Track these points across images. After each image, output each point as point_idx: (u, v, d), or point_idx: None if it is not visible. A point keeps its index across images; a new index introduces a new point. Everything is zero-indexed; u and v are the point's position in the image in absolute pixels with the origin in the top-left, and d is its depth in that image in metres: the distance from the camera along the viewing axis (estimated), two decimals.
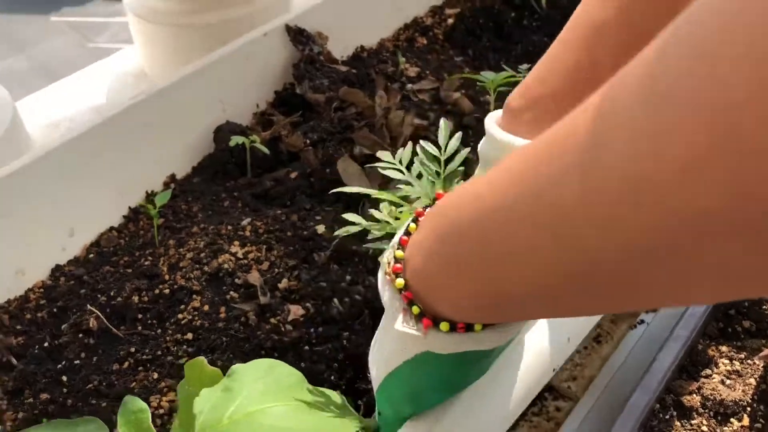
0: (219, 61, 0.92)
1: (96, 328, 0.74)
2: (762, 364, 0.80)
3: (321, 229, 0.81)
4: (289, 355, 0.69)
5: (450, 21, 1.17)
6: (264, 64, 0.98)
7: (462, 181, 0.59)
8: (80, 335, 0.74)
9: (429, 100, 0.99)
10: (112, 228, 0.87)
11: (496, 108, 0.93)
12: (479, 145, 0.57)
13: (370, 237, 0.61)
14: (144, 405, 0.54)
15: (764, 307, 0.87)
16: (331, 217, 0.83)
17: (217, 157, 0.94)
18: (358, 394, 0.67)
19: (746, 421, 0.75)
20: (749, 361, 0.81)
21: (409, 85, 1.01)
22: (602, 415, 0.74)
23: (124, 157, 0.86)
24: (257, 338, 0.71)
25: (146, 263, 0.80)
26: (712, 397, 0.77)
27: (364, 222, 0.60)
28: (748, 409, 0.76)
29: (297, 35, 0.98)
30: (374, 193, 0.58)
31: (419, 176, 0.60)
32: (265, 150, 0.88)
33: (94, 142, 0.82)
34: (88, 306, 0.76)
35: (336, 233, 0.61)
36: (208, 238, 0.82)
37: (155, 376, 0.69)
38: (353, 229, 0.59)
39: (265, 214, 0.84)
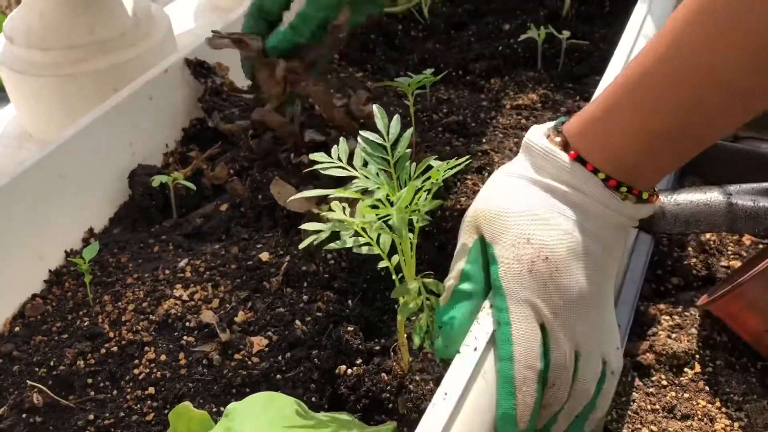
0: (123, 103, 0.87)
1: (41, 403, 0.68)
2: (698, 314, 0.85)
3: (265, 256, 0.79)
4: (263, 387, 0.66)
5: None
6: (168, 102, 0.95)
7: (413, 163, 0.58)
8: (24, 415, 0.67)
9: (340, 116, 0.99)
10: (35, 295, 0.80)
11: (415, 110, 0.94)
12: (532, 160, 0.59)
13: (340, 239, 0.59)
14: None
15: (685, 262, 0.93)
16: (272, 243, 0.81)
17: (135, 203, 0.89)
18: (343, 407, 0.65)
19: (698, 368, 0.80)
20: (686, 313, 0.86)
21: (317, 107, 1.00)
22: None
23: (37, 216, 0.80)
24: (225, 377, 0.67)
25: (84, 324, 0.74)
26: (664, 352, 0.81)
27: (327, 226, 0.58)
28: (697, 356, 0.81)
29: (197, 68, 0.96)
30: (334, 192, 0.56)
31: (365, 166, 0.59)
32: (192, 186, 0.85)
33: (6, 204, 0.76)
34: (27, 381, 0.69)
35: (302, 245, 0.59)
36: (146, 286, 0.77)
37: None
38: (322, 236, 0.57)
39: (202, 252, 0.81)
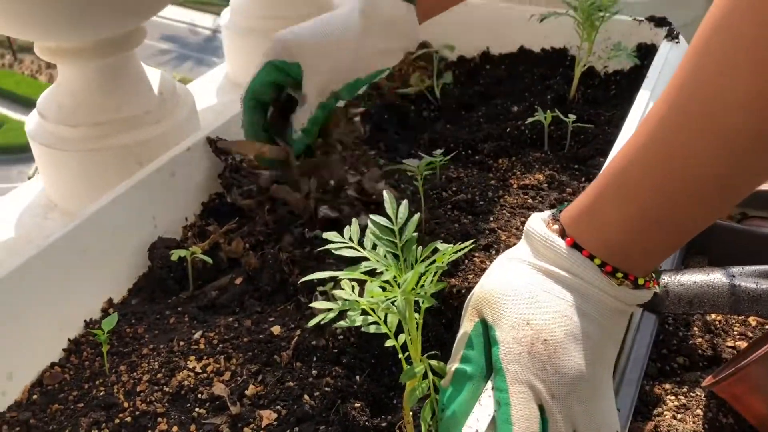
0: (147, 179, 0.92)
1: None
2: (704, 394, 0.85)
3: (277, 329, 0.81)
4: None
5: (357, 120, 1.23)
6: (190, 178, 0.99)
7: (420, 247, 0.61)
8: None
9: (354, 194, 1.02)
10: (53, 364, 0.82)
11: (425, 188, 0.98)
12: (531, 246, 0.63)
13: (349, 317, 0.61)
14: None
15: (690, 342, 0.94)
16: (284, 316, 0.83)
17: (154, 275, 0.92)
18: None
19: None
20: (692, 393, 0.86)
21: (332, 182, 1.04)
22: None
23: (59, 288, 0.83)
24: None
25: (100, 394, 0.76)
26: None
27: (337, 305, 0.61)
28: None
29: (218, 146, 1.00)
30: (343, 274, 0.59)
31: (374, 248, 0.62)
32: (208, 260, 0.88)
33: (29, 276, 0.79)
34: None
35: (311, 323, 0.61)
36: (161, 357, 0.79)
37: None
38: (331, 315, 0.60)
39: (216, 324, 0.83)
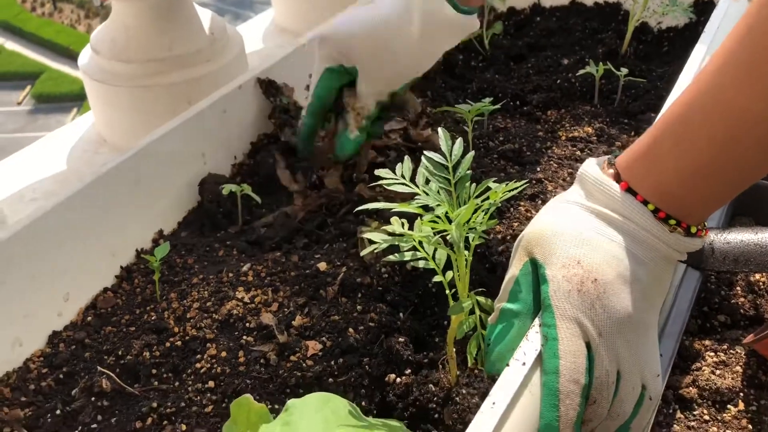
0: (199, 114, 0.93)
1: (109, 389, 0.72)
2: (744, 352, 0.85)
3: (323, 266, 0.82)
4: (315, 389, 0.70)
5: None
6: (240, 116, 1.00)
7: (473, 184, 0.62)
8: (93, 398, 0.72)
9: (400, 140, 1.03)
10: (106, 289, 0.85)
11: (473, 136, 0.98)
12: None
13: (402, 251, 0.63)
14: None
15: (733, 301, 0.93)
16: (330, 254, 0.84)
17: (203, 209, 0.94)
18: (391, 414, 0.68)
19: (741, 405, 0.80)
20: (732, 351, 0.86)
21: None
22: None
23: (112, 216, 0.85)
24: (280, 377, 0.71)
25: (151, 319, 0.79)
26: (707, 387, 0.81)
27: (388, 237, 0.62)
28: (741, 394, 0.81)
29: (268, 87, 1.01)
30: (397, 206, 0.60)
31: (427, 183, 0.63)
32: (257, 198, 0.89)
33: (85, 203, 0.81)
34: (98, 368, 0.74)
35: (363, 252, 0.62)
36: (210, 287, 0.81)
37: (183, 428, 0.68)
38: (382, 246, 0.61)
39: (264, 258, 0.85)
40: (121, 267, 0.87)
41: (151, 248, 0.90)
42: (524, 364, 0.55)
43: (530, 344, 0.57)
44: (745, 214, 1.08)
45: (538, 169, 0.95)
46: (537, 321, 0.59)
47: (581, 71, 1.07)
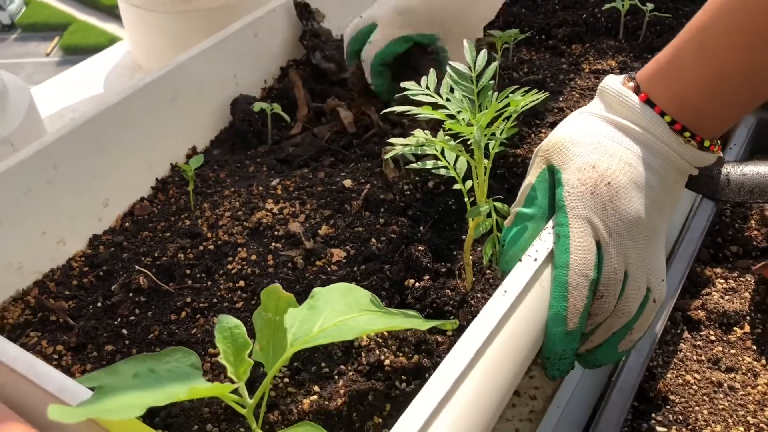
0: (232, 36, 0.96)
1: (146, 286, 0.77)
2: (753, 279, 0.88)
3: (348, 183, 0.86)
4: None
5: None
6: (271, 41, 1.03)
7: (496, 92, 0.65)
8: (131, 294, 0.77)
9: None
10: (142, 198, 0.90)
11: (502, 60, 1.00)
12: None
13: (422, 155, 0.66)
14: (238, 321, 0.58)
15: (746, 234, 0.96)
16: (355, 172, 0.88)
17: (235, 129, 0.98)
18: None
19: (747, 328, 0.83)
20: (741, 278, 0.89)
21: None
22: None
23: (149, 130, 0.89)
24: (307, 279, 0.75)
25: (185, 225, 0.84)
26: (715, 310, 0.85)
27: (412, 141, 0.65)
28: (747, 317, 0.84)
29: (303, 10, 1.04)
30: (423, 111, 0.63)
31: (451, 92, 0.66)
32: (287, 117, 0.93)
33: (123, 115, 0.85)
34: (136, 267, 0.79)
35: (387, 155, 0.66)
36: (241, 198, 0.86)
37: (215, 321, 0.73)
38: (404, 149, 0.64)
39: (292, 175, 0.89)
40: (157, 179, 0.92)
41: (185, 163, 0.95)
42: (536, 260, 0.59)
43: (542, 243, 0.60)
44: (764, 153, 1.10)
45: (560, 99, 0.97)
46: (551, 223, 0.62)
47: (607, 5, 1.08)
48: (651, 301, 0.62)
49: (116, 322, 0.74)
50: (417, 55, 0.98)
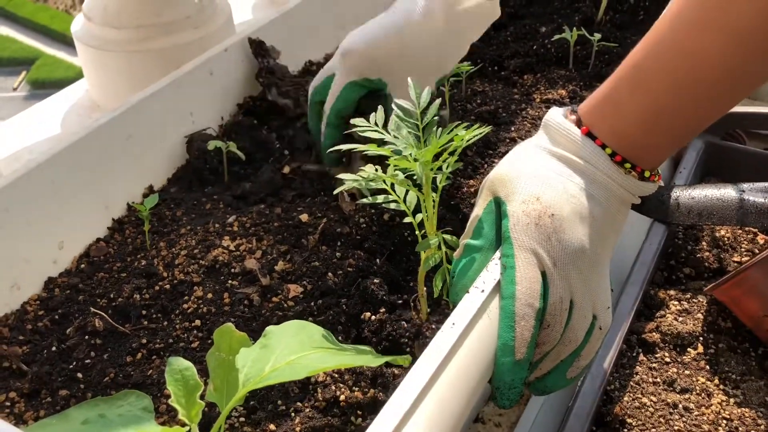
0: (187, 75, 0.97)
1: (102, 328, 0.77)
2: (706, 300, 0.90)
3: (305, 217, 0.87)
4: None
5: None
6: (226, 78, 1.04)
7: (440, 128, 0.66)
8: (87, 337, 0.76)
9: None
10: (99, 239, 0.89)
11: (450, 100, 1.02)
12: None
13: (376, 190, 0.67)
14: (189, 363, 0.58)
15: (698, 255, 0.98)
16: (312, 207, 0.89)
17: (191, 166, 0.98)
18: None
19: (701, 348, 0.85)
20: (694, 299, 0.91)
21: None
22: None
23: (105, 170, 0.89)
24: (263, 316, 0.75)
25: (141, 265, 0.84)
26: (669, 332, 0.86)
27: (360, 177, 0.66)
28: (701, 338, 0.86)
29: (258, 48, 1.05)
30: (368, 147, 0.64)
31: (397, 129, 0.67)
32: (241, 155, 0.94)
33: (78, 156, 0.85)
34: (91, 309, 0.78)
35: (336, 191, 0.67)
36: (198, 236, 0.86)
37: None
38: (353, 184, 0.65)
39: (249, 211, 0.90)
40: (113, 219, 0.92)
41: (141, 202, 0.95)
42: (483, 291, 0.60)
43: (489, 274, 0.61)
44: (715, 176, 1.13)
45: (513, 128, 1.00)
46: (498, 254, 0.63)
47: (557, 36, 1.11)
48: (597, 328, 0.63)
49: (71, 366, 0.73)
50: (370, 106, 0.97)
